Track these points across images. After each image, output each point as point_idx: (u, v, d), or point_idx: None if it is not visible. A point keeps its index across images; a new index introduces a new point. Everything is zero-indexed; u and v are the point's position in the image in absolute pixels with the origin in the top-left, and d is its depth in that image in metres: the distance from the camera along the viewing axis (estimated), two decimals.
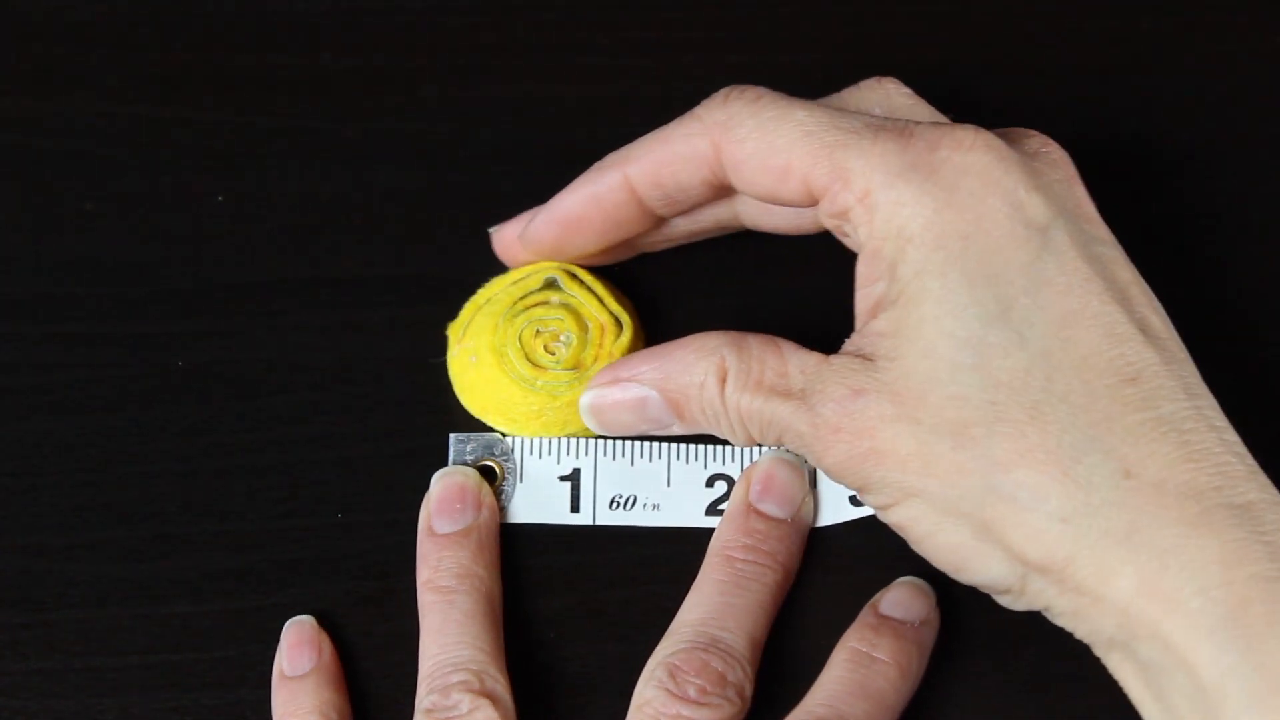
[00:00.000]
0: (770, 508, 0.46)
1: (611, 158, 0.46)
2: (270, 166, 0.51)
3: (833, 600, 0.46)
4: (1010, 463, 0.38)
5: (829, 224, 0.42)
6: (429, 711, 0.43)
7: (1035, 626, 0.46)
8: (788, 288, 0.50)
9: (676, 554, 0.47)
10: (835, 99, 0.46)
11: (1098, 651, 0.40)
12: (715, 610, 0.44)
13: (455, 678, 0.43)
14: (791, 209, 0.46)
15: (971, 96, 0.52)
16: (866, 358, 0.40)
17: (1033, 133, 0.43)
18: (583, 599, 0.47)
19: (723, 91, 0.43)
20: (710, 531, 0.47)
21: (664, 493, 0.47)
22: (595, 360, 0.47)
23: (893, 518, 0.41)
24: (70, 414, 0.48)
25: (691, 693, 0.43)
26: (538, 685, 0.46)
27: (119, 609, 0.46)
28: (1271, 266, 0.51)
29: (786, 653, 0.46)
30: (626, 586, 0.47)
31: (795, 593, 0.46)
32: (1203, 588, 0.36)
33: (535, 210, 0.48)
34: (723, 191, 0.45)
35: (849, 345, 0.41)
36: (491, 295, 0.48)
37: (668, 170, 0.44)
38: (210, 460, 0.48)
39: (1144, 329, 0.40)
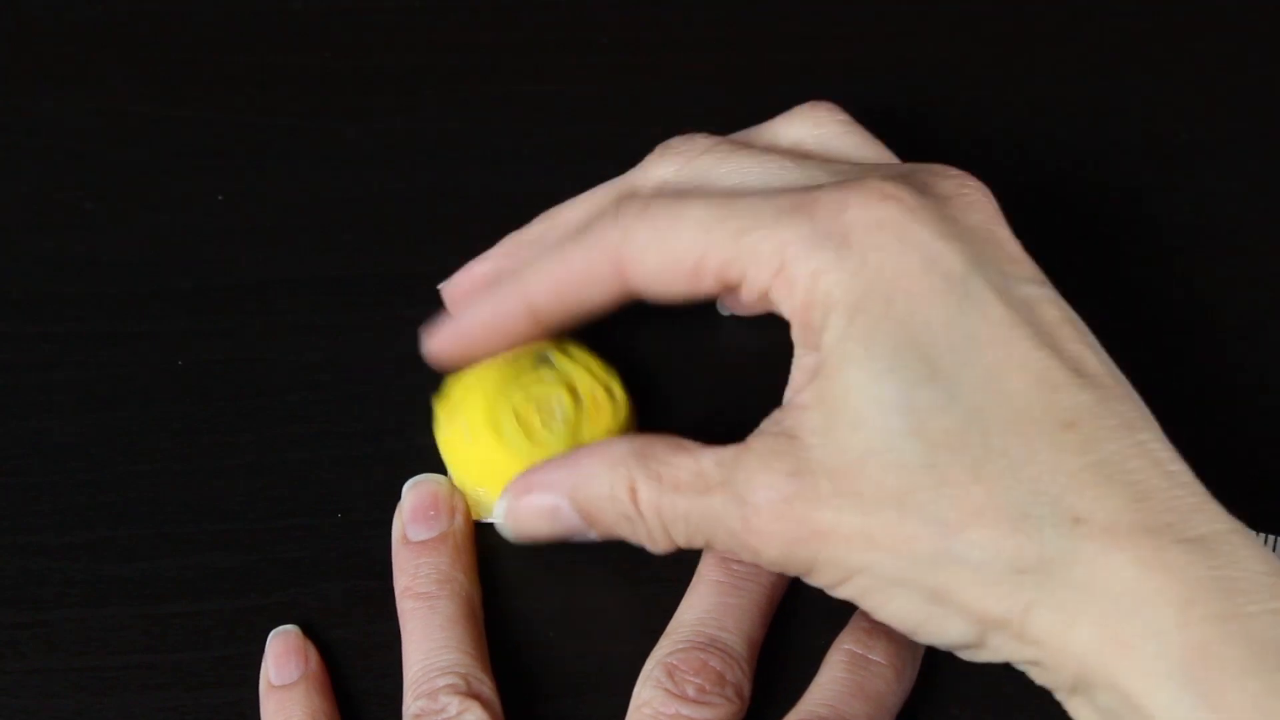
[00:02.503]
0: None
1: (510, 281, 0.44)
2: (270, 166, 0.51)
3: (829, 600, 0.46)
4: (960, 524, 0.37)
5: (756, 308, 0.42)
6: (417, 717, 0.43)
7: None
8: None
9: (676, 553, 0.47)
10: (766, 128, 0.45)
11: (1058, 696, 0.39)
12: (712, 610, 0.44)
13: (442, 681, 0.43)
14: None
15: (969, 94, 0.53)
16: (791, 436, 0.39)
17: (951, 171, 0.42)
18: (583, 599, 0.47)
19: (612, 204, 0.43)
20: None
21: None
22: (592, 433, 0.46)
23: (842, 594, 0.40)
24: (70, 414, 0.48)
25: (690, 692, 0.43)
26: (537, 685, 0.46)
27: (119, 609, 0.46)
28: (1264, 270, 0.51)
29: (784, 653, 0.46)
30: (626, 585, 0.47)
31: (792, 592, 0.46)
32: (1159, 631, 0.36)
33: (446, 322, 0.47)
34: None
35: (769, 424, 0.40)
36: (480, 372, 0.47)
37: (570, 294, 0.44)
38: (210, 460, 0.48)
39: (1078, 369, 0.39)
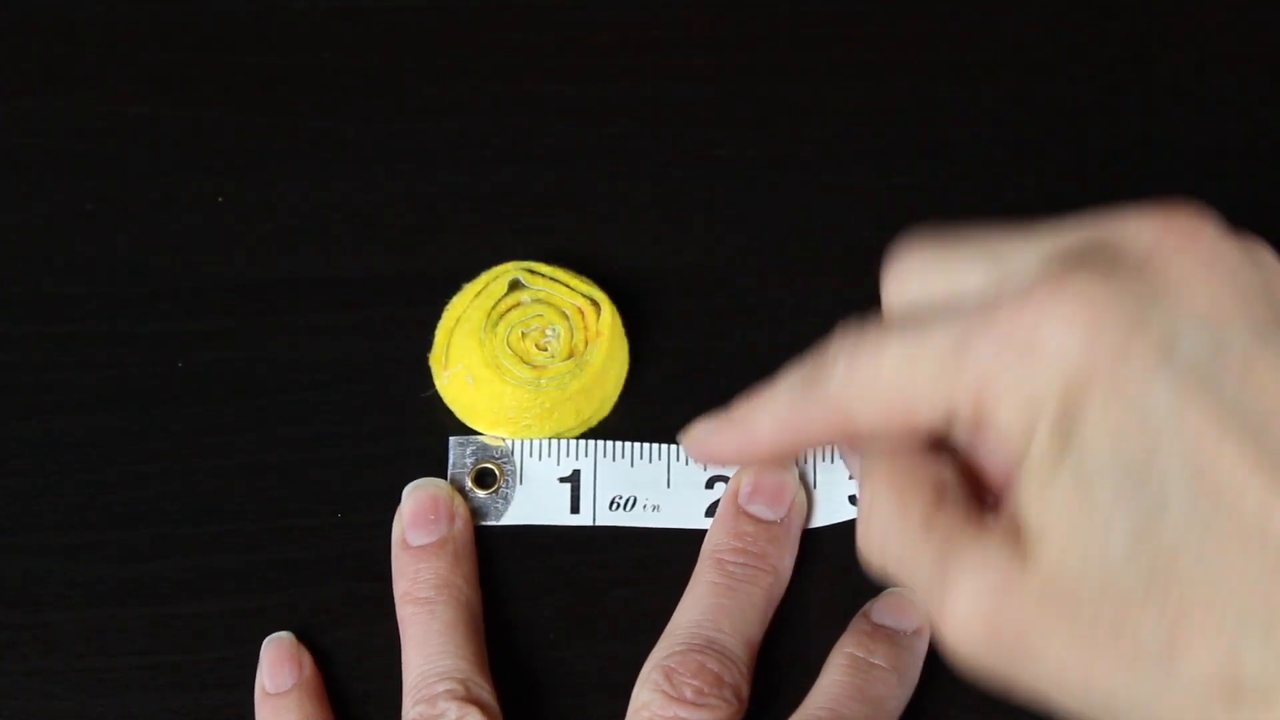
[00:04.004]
0: (760, 509, 0.46)
1: (744, 420, 0.38)
2: (270, 166, 0.51)
3: (829, 601, 0.46)
4: (1182, 643, 0.31)
5: (962, 441, 0.36)
6: None
7: None
8: (775, 291, 0.50)
9: (676, 555, 0.47)
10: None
11: None
12: (709, 612, 0.44)
13: (441, 687, 0.43)
14: None
15: (970, 95, 0.52)
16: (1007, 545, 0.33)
17: (1150, 215, 0.34)
18: (583, 599, 0.47)
19: (833, 351, 0.36)
20: None
21: (664, 494, 0.47)
22: (587, 343, 0.47)
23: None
24: (70, 414, 0.48)
25: (688, 694, 0.43)
26: (537, 686, 0.46)
27: (119, 609, 0.46)
28: None
29: (783, 654, 0.46)
30: (626, 587, 0.47)
31: (791, 593, 0.46)
32: None
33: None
34: None
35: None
36: (460, 315, 0.48)
37: (797, 438, 0.37)
38: (210, 460, 0.48)
39: None
